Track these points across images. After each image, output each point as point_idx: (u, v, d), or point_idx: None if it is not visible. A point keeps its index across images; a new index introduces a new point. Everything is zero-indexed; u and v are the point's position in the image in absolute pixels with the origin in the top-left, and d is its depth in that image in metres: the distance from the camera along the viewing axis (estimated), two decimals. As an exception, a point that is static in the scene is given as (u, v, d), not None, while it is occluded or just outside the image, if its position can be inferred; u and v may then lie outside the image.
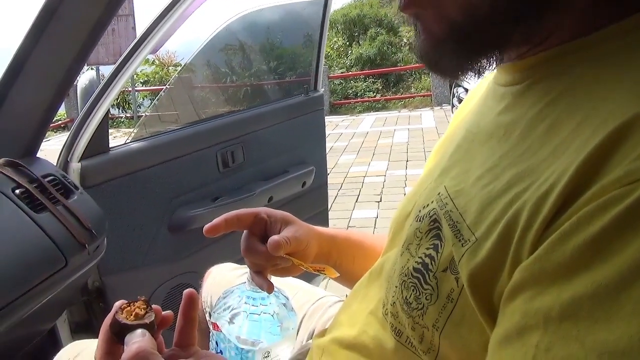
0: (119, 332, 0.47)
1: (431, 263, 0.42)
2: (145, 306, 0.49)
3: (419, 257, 0.44)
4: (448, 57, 0.44)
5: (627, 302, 0.27)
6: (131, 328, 0.46)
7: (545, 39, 0.41)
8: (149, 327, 0.47)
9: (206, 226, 0.63)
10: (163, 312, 0.52)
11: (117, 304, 0.50)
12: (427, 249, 0.43)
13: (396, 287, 0.46)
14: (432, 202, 0.46)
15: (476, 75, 0.46)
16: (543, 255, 0.32)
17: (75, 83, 1.32)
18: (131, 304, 0.49)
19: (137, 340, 0.45)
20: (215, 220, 0.63)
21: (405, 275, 0.45)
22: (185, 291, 0.53)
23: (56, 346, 1.30)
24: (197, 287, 1.05)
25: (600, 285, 0.28)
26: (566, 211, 0.32)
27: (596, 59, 0.38)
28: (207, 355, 0.53)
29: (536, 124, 0.39)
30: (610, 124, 0.32)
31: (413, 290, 0.43)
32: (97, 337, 0.90)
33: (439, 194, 0.46)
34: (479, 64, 0.44)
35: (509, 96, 0.45)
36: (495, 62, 0.45)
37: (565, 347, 0.28)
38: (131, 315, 0.48)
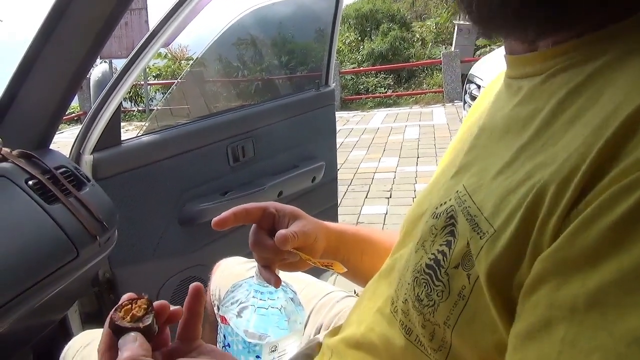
0: (115, 332, 0.46)
1: (443, 259, 0.42)
2: (146, 306, 0.47)
3: (432, 254, 0.43)
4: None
5: None
6: (124, 330, 0.45)
7: (561, 31, 0.40)
8: (143, 330, 0.45)
9: (215, 219, 0.63)
10: (172, 308, 0.51)
11: (125, 297, 0.49)
12: (440, 245, 0.43)
13: (409, 284, 0.46)
14: (449, 199, 0.45)
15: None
16: (565, 243, 0.30)
17: (88, 76, 1.33)
18: (133, 302, 0.47)
19: (128, 347, 0.43)
20: (224, 214, 0.63)
21: (418, 272, 0.44)
22: (192, 285, 0.52)
23: (67, 336, 1.32)
24: (206, 280, 1.06)
25: (627, 270, 0.27)
26: (587, 196, 0.31)
27: (621, 49, 0.37)
28: (211, 350, 0.52)
29: (558, 114, 0.38)
30: (631, 104, 0.31)
31: (425, 287, 0.43)
32: (107, 327, 0.91)
33: (457, 191, 0.44)
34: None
35: (525, 88, 0.44)
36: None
37: (593, 338, 0.27)
38: (128, 315, 0.46)
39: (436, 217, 0.45)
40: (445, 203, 0.45)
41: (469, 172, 0.46)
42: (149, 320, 0.46)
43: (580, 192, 0.31)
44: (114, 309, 0.47)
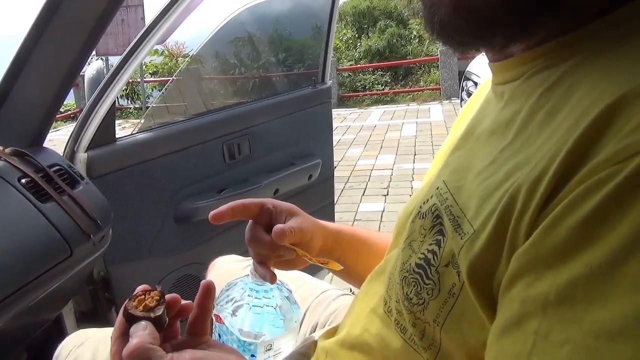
0: (128, 320, 0.48)
1: (433, 258, 0.42)
2: (158, 298, 0.49)
3: (421, 254, 0.44)
4: (486, 27, 0.41)
5: (622, 280, 0.27)
6: (136, 319, 0.47)
7: (537, 34, 0.41)
8: (154, 320, 0.47)
9: (212, 212, 0.63)
10: (183, 302, 0.52)
11: (139, 288, 0.50)
12: (430, 244, 0.43)
13: (398, 283, 0.46)
14: (431, 197, 0.46)
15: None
16: (538, 240, 0.31)
17: (82, 73, 1.32)
18: (146, 293, 0.50)
19: (138, 334, 0.45)
20: (222, 208, 0.63)
21: (407, 272, 0.45)
22: (203, 282, 0.54)
23: (62, 334, 1.31)
24: (202, 278, 1.06)
25: (594, 265, 0.28)
26: (558, 194, 0.32)
27: (592, 49, 0.38)
28: (217, 345, 0.53)
29: (533, 114, 0.39)
30: (600, 104, 0.32)
31: (414, 286, 0.43)
32: (102, 326, 0.90)
33: (437, 188, 0.46)
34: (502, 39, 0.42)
35: (507, 93, 0.45)
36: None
37: (564, 331, 0.28)
38: (141, 305, 0.48)
39: (422, 216, 0.46)
40: (427, 201, 0.46)
41: (449, 169, 0.47)
42: (160, 311, 0.48)
43: (551, 191, 0.32)
44: (128, 299, 0.49)
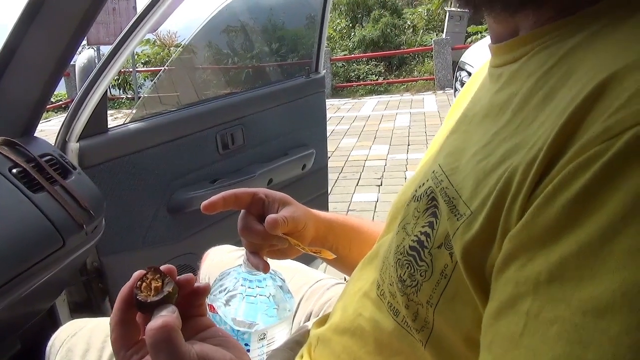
0: (142, 309, 0.45)
1: (427, 240, 0.42)
2: (158, 275, 0.46)
3: (414, 236, 0.44)
4: None
5: (610, 257, 0.27)
6: (158, 304, 0.44)
7: (537, 16, 0.41)
8: (171, 295, 0.45)
9: (204, 203, 0.62)
10: (178, 277, 0.48)
11: (135, 275, 0.47)
12: (423, 226, 0.43)
13: (392, 266, 0.46)
14: (427, 180, 0.46)
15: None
16: (530, 221, 0.31)
17: (73, 62, 1.31)
18: (144, 278, 0.46)
19: (164, 315, 0.42)
20: (213, 198, 0.63)
21: (401, 254, 0.45)
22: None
23: (55, 325, 1.31)
24: (196, 268, 1.06)
25: (584, 243, 0.28)
26: (549, 174, 0.32)
27: (590, 32, 0.38)
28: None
29: (531, 96, 0.39)
30: (589, 84, 0.32)
31: (407, 268, 0.43)
32: (95, 316, 0.89)
33: (433, 171, 0.46)
34: None
35: (505, 75, 0.45)
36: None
37: (553, 310, 0.28)
38: (151, 291, 0.45)
39: (417, 199, 0.46)
40: (423, 185, 0.47)
41: (444, 152, 0.47)
42: (172, 284, 0.46)
43: (542, 171, 0.32)
44: (131, 285, 0.47)
